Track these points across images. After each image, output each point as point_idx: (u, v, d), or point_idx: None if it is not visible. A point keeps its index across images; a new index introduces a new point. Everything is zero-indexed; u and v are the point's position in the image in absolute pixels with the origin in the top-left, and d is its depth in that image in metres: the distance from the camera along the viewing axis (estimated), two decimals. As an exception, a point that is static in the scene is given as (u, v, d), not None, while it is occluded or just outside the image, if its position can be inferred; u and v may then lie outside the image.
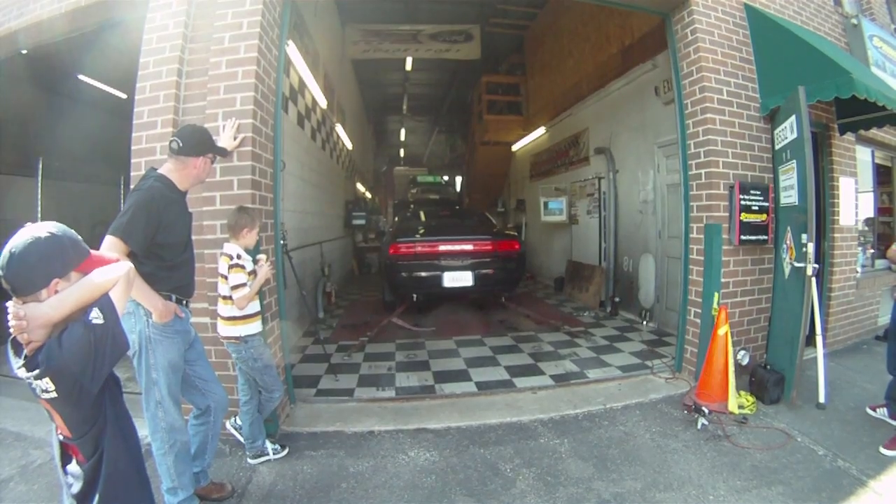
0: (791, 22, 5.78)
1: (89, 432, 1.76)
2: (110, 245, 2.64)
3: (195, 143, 3.10)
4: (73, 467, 1.82)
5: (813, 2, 6.40)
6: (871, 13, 7.66)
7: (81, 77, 9.01)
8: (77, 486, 1.80)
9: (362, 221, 15.02)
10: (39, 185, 8.20)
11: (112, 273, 1.78)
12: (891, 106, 4.86)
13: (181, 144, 3.01)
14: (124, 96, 9.23)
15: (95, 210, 9.18)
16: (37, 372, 1.60)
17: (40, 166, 8.22)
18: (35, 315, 1.62)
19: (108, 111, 9.61)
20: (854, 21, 6.82)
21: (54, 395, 1.64)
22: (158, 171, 3.04)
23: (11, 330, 1.62)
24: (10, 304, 1.63)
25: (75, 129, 9.06)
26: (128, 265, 1.85)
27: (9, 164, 8.09)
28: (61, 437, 1.81)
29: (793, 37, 5.20)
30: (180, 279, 3.09)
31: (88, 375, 1.65)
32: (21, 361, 1.64)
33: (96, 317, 1.65)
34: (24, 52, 5.79)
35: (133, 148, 4.22)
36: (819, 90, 4.73)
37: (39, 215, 7.86)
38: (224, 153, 3.54)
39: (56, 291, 1.67)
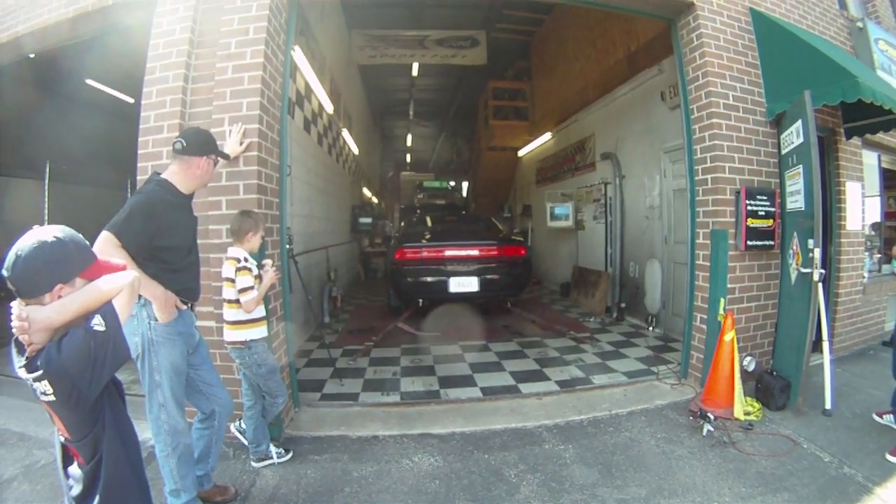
0: (796, 26, 5.77)
1: (88, 436, 1.76)
2: (105, 240, 2.64)
3: (198, 142, 3.12)
4: (74, 469, 1.82)
5: (818, 5, 6.39)
6: (876, 16, 7.64)
7: (89, 81, 9.06)
8: (77, 489, 1.81)
9: (368, 226, 15.06)
10: (47, 187, 8.25)
11: (117, 281, 1.78)
12: (897, 109, 4.84)
13: (185, 144, 3.03)
14: (131, 101, 9.27)
15: (101, 213, 9.20)
16: (36, 374, 1.60)
17: (47, 169, 8.27)
18: (37, 318, 1.63)
19: (115, 115, 9.65)
20: (859, 24, 6.81)
21: (53, 398, 1.64)
22: (162, 175, 3.06)
23: (14, 330, 1.63)
24: (13, 304, 1.64)
25: (82, 132, 9.10)
26: (133, 274, 1.85)
27: (16, 167, 8.14)
28: (62, 439, 1.82)
29: (798, 41, 5.18)
30: (184, 282, 3.09)
31: (87, 381, 1.66)
32: (23, 361, 1.65)
33: (98, 324, 1.66)
34: (32, 55, 5.83)
35: (139, 152, 4.25)
36: (825, 94, 4.71)
37: (46, 218, 7.91)
38: (227, 157, 3.55)
39: (60, 296, 1.68)
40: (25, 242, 1.65)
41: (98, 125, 9.38)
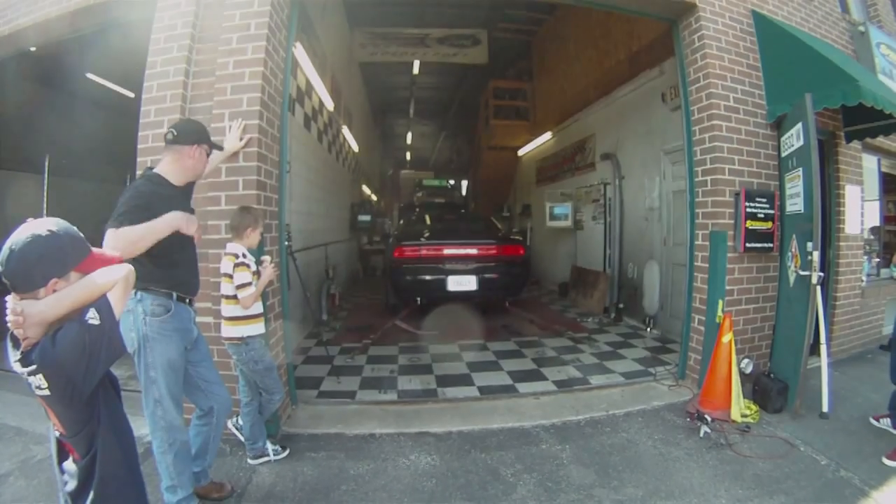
0: (798, 29, 5.77)
1: (82, 431, 1.75)
2: (114, 237, 2.61)
3: (189, 131, 3.10)
4: (69, 465, 1.81)
5: (821, 9, 6.40)
6: (878, 20, 7.64)
7: (90, 75, 9.03)
8: (72, 484, 1.80)
9: (368, 224, 15.04)
10: (46, 182, 8.23)
11: (111, 275, 1.77)
12: (898, 114, 4.84)
13: (176, 134, 3.02)
14: (132, 95, 9.23)
15: (100, 208, 9.16)
16: (31, 368, 1.60)
17: (47, 163, 8.25)
18: (31, 313, 1.62)
19: (115, 110, 9.60)
20: (861, 28, 6.82)
21: (47, 392, 1.64)
22: (154, 169, 3.04)
23: (9, 325, 1.62)
24: (8, 298, 1.64)
25: (82, 127, 9.08)
26: (127, 267, 1.84)
27: (16, 161, 8.11)
28: (57, 434, 1.81)
29: (800, 44, 5.18)
30: (182, 276, 3.07)
31: (81, 375, 1.65)
32: (17, 356, 1.64)
33: (93, 317, 1.65)
34: (33, 49, 5.81)
35: (139, 147, 4.24)
36: (826, 97, 4.71)
37: (45, 212, 7.89)
38: (219, 148, 3.52)
39: (54, 291, 1.67)
40: (19, 236, 1.64)
41: (98, 120, 9.36)
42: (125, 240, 2.56)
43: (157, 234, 2.72)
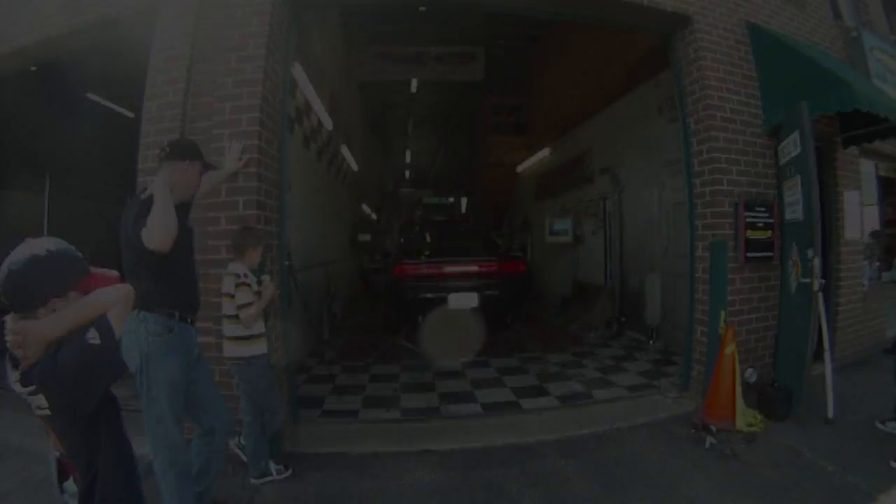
0: (791, 37, 5.81)
1: (83, 451, 1.75)
2: (147, 232, 2.64)
3: (179, 147, 3.13)
4: (70, 484, 1.81)
5: (813, 17, 6.44)
6: (870, 25, 7.68)
7: (90, 95, 9.09)
8: None
9: (368, 243, 15.05)
10: (47, 201, 8.26)
11: (110, 295, 1.77)
12: (893, 117, 4.86)
13: (168, 151, 3.03)
14: (132, 115, 9.28)
15: (100, 227, 9.19)
16: (30, 388, 1.59)
17: (48, 183, 8.29)
18: (31, 332, 1.62)
19: (115, 129, 9.62)
20: (854, 34, 6.85)
21: (48, 412, 1.63)
22: (147, 191, 3.03)
23: (8, 344, 1.62)
24: (8, 318, 1.63)
25: (82, 146, 9.12)
26: (127, 287, 1.84)
27: (17, 180, 8.15)
28: (58, 454, 1.80)
29: (794, 52, 5.24)
30: (183, 295, 3.07)
31: (81, 395, 1.64)
32: (17, 376, 1.63)
33: (93, 337, 1.65)
34: (34, 68, 5.85)
35: (139, 167, 4.25)
36: (821, 104, 4.74)
37: (46, 231, 7.90)
38: (212, 167, 3.51)
39: (54, 310, 1.67)
40: (18, 256, 1.64)
41: (98, 139, 9.39)
42: (157, 222, 2.58)
43: (170, 199, 2.73)
